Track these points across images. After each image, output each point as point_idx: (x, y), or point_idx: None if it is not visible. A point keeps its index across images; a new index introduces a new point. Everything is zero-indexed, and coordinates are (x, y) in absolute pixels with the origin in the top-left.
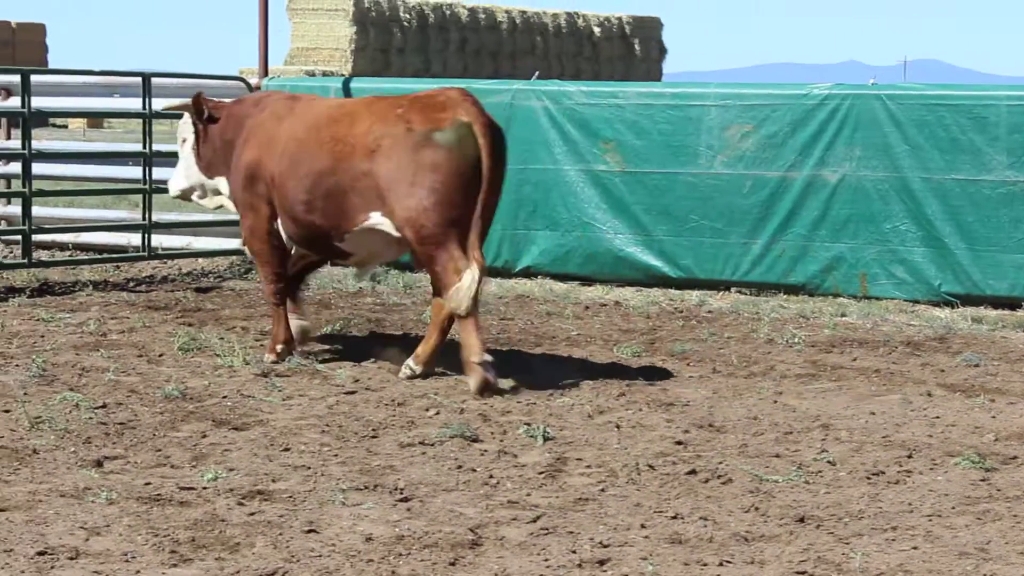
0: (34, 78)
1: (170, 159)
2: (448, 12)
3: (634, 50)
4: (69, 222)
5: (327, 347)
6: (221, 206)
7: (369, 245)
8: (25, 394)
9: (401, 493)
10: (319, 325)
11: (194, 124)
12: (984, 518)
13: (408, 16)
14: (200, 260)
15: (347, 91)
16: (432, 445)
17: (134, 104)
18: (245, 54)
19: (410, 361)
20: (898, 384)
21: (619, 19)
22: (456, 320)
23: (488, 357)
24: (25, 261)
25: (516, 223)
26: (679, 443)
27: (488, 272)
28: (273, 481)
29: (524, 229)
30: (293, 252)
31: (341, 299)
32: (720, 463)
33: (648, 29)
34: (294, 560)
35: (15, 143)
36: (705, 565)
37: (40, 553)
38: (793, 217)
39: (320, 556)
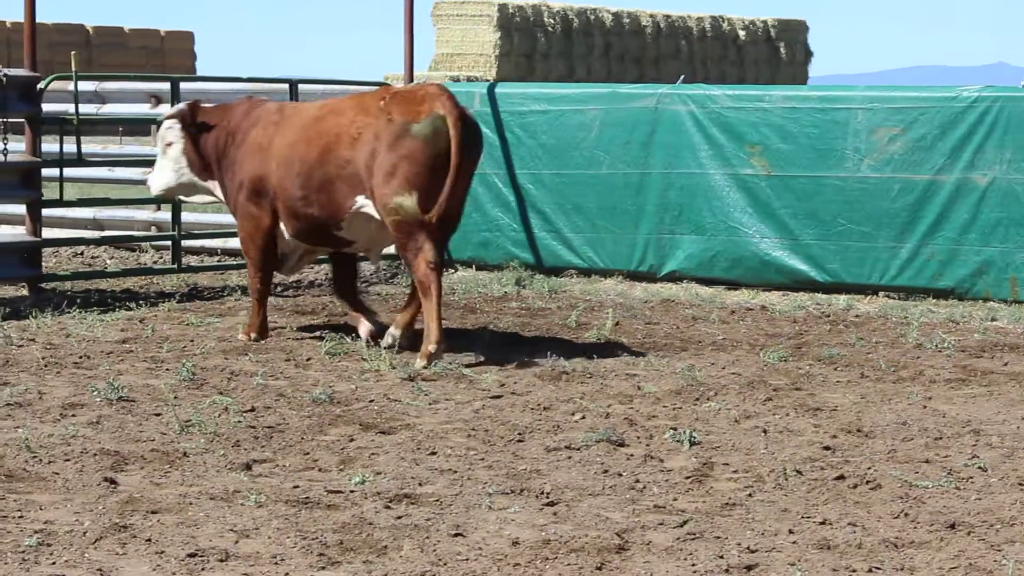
0: (183, 85)
1: None
2: (592, 17)
3: (779, 53)
4: (218, 228)
5: (473, 351)
6: (212, 202)
7: (365, 231)
8: (175, 398)
9: (547, 497)
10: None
11: (184, 130)
12: None
13: (552, 21)
14: None
15: (492, 97)
16: (578, 449)
17: None
18: (390, 60)
19: (392, 329)
20: None
21: (764, 22)
22: (423, 304)
23: (442, 347)
24: (175, 266)
25: (661, 227)
26: (827, 448)
27: (632, 275)
28: (420, 485)
29: (669, 233)
30: (291, 252)
31: (486, 304)
32: (869, 468)
33: (794, 32)
34: (441, 564)
35: None
36: (854, 571)
37: (191, 555)
38: (942, 220)
39: (467, 560)
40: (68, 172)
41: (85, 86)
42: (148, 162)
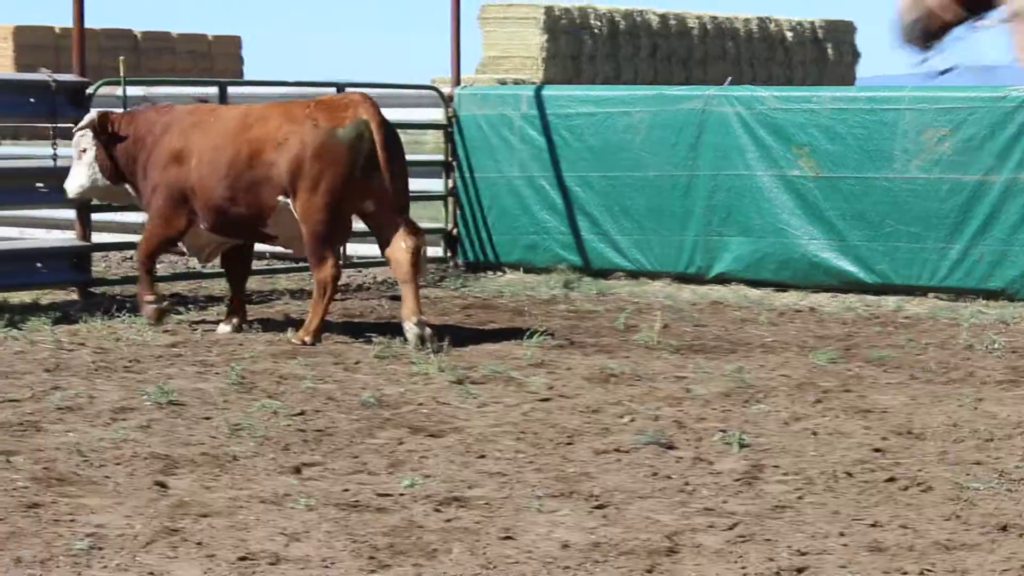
0: (230, 89)
1: None
2: (639, 19)
3: (827, 54)
4: None
5: (520, 354)
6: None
7: (288, 227)
8: (225, 401)
9: (597, 500)
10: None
11: (96, 138)
12: None
13: (599, 23)
14: None
15: (539, 99)
16: (627, 452)
17: None
18: (437, 63)
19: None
20: None
21: (811, 23)
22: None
23: (318, 340)
24: (223, 271)
25: (709, 229)
26: (877, 450)
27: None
28: (469, 488)
29: (717, 235)
30: (206, 245)
31: (534, 306)
32: (919, 470)
33: (841, 33)
34: (491, 567)
35: None
36: (905, 574)
37: (242, 558)
38: (992, 221)
39: (517, 563)
40: None
41: (133, 91)
42: None
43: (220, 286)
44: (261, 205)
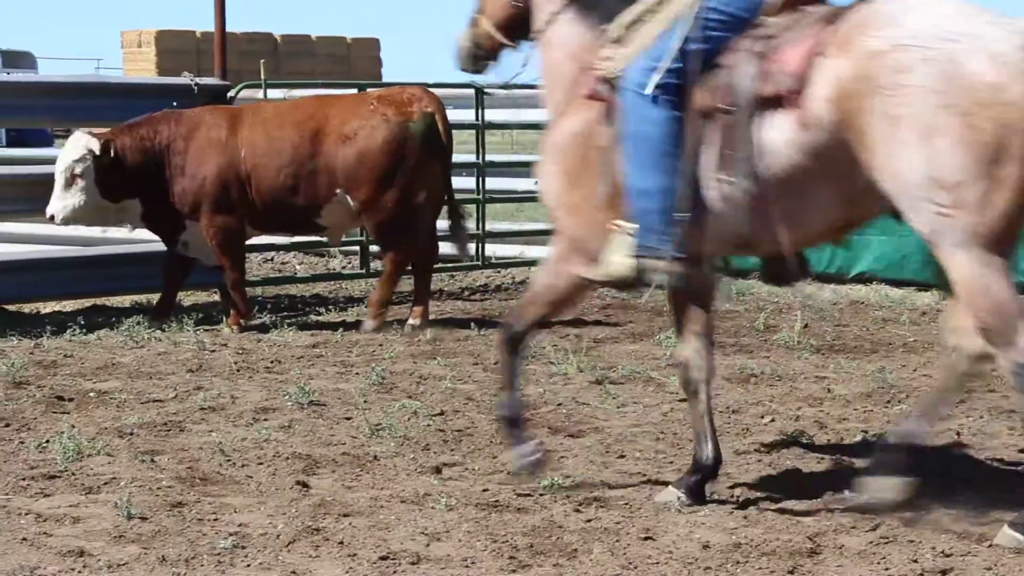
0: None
1: (501, 168)
2: None
3: None
4: None
5: (659, 354)
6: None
7: (339, 217)
8: (365, 402)
9: (737, 500)
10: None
11: (98, 160)
12: None
13: None
14: (533, 269)
15: None
16: (768, 452)
17: (467, 116)
18: None
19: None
20: None
21: None
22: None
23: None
24: (363, 271)
25: None
26: (1023, 451)
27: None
28: (609, 488)
29: (858, 234)
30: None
31: None
32: None
33: None
34: (631, 567)
35: None
36: None
37: (383, 558)
38: None
39: (657, 563)
40: None
41: (274, 94)
42: None
43: (360, 287)
44: (318, 197)
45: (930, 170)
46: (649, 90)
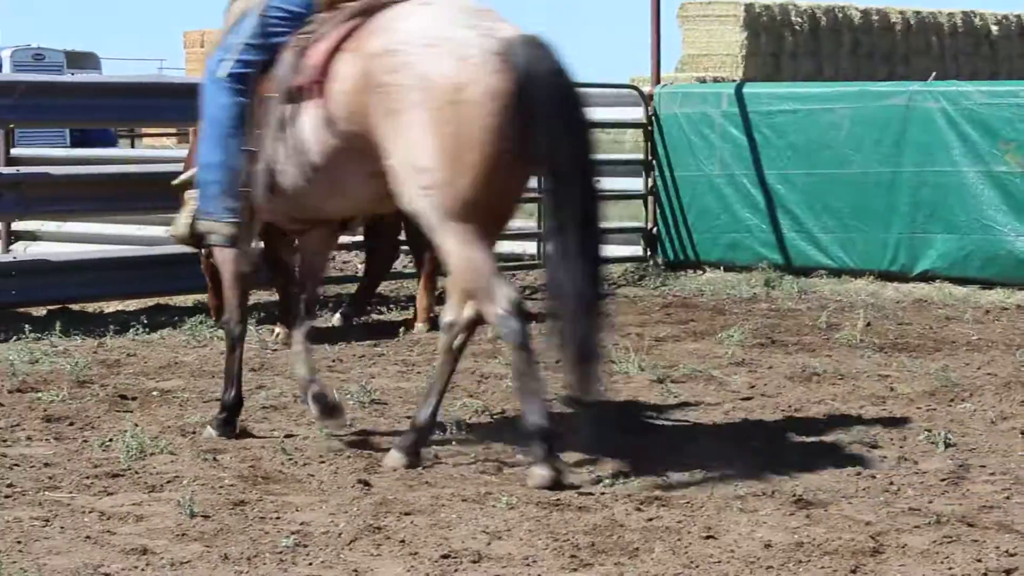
0: None
1: None
2: (840, 15)
3: None
4: None
5: (721, 353)
6: None
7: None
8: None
9: (799, 499)
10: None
11: None
12: None
13: (800, 20)
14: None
15: (739, 97)
16: (830, 451)
17: None
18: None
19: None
20: None
21: (1018, 16)
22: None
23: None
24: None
25: (913, 226)
26: None
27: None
28: (670, 487)
29: (922, 233)
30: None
31: (735, 305)
32: None
33: None
34: (693, 566)
35: None
36: None
37: (444, 556)
38: None
39: (719, 562)
40: None
41: None
42: None
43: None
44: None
45: (410, 157)
46: (220, 76)
